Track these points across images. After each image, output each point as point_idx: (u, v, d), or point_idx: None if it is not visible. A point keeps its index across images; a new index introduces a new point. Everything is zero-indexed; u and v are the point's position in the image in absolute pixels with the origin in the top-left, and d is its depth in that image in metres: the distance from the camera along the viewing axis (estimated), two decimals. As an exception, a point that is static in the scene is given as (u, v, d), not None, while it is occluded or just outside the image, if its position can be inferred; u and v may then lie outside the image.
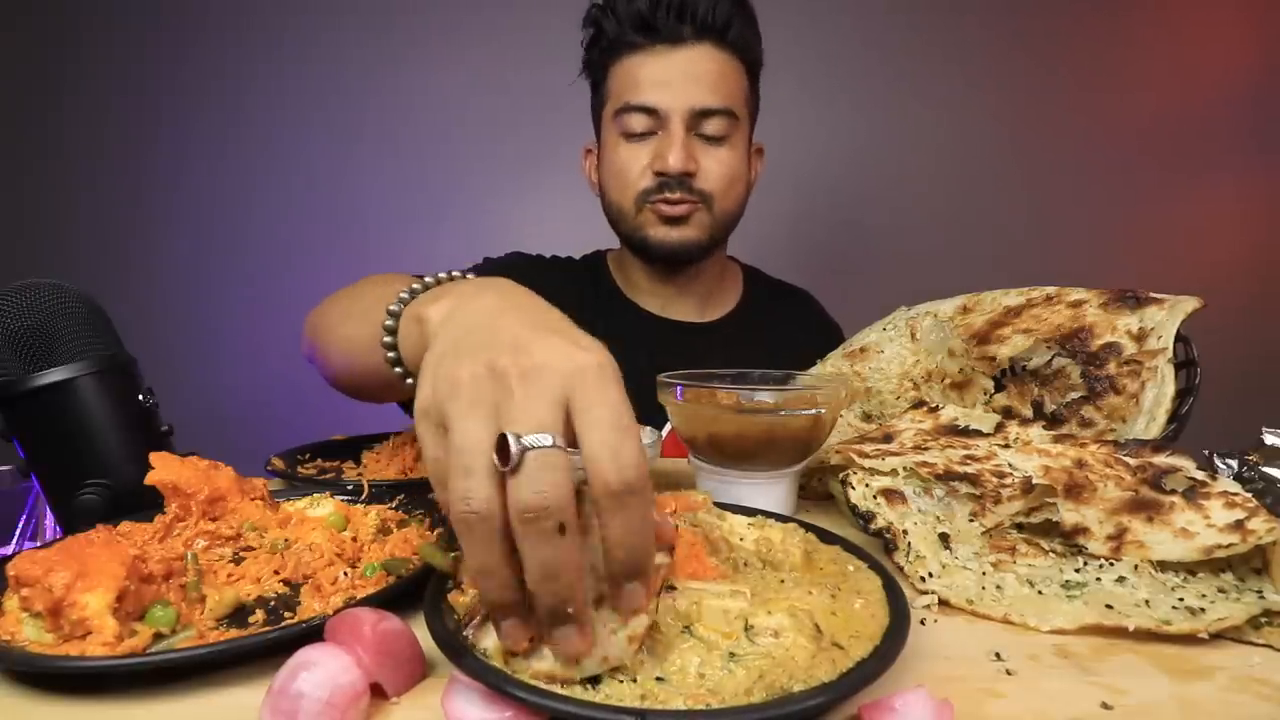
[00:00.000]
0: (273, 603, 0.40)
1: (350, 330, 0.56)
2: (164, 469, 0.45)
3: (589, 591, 0.29)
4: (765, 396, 0.53)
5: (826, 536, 0.44)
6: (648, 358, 0.83)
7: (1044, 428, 0.55)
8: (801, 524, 0.44)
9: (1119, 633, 0.37)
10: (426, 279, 0.43)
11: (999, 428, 0.56)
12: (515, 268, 1.06)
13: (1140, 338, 0.58)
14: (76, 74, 1.87)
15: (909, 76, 1.83)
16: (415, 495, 0.55)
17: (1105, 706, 0.31)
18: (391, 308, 0.42)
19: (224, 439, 1.08)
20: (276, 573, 0.42)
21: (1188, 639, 0.36)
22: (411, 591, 0.38)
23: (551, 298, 0.37)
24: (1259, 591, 0.40)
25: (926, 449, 0.54)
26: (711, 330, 1.09)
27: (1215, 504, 0.43)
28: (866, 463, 0.52)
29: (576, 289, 1.06)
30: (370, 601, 0.36)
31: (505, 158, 1.89)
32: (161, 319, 1.88)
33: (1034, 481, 0.48)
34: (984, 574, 0.44)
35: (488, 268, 1.05)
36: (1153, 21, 1.80)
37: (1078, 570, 0.43)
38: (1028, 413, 0.61)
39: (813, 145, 1.85)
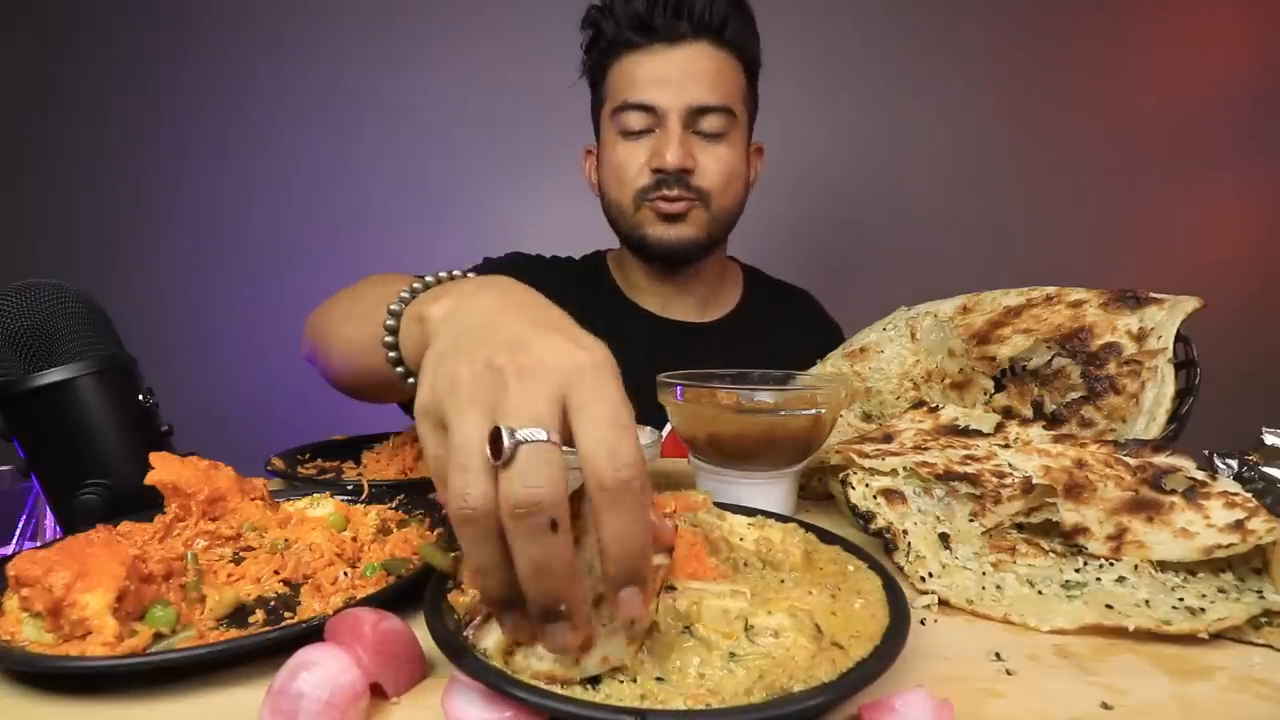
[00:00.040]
0: (273, 603, 0.40)
1: (351, 330, 0.56)
2: (164, 469, 0.45)
3: (588, 591, 0.29)
4: (765, 396, 0.53)
5: (826, 536, 0.44)
6: (647, 358, 0.83)
7: (1044, 428, 0.55)
8: (801, 524, 0.44)
9: (1119, 633, 0.37)
10: (427, 278, 0.43)
11: (999, 428, 0.56)
12: (515, 268, 1.06)
13: (1140, 338, 0.58)
14: (76, 74, 1.87)
15: (909, 76, 1.83)
16: (415, 495, 0.55)
17: (1105, 706, 0.31)
18: (393, 307, 0.42)
19: (224, 439, 1.08)
20: (276, 573, 0.42)
21: (1188, 639, 0.36)
22: (411, 591, 0.38)
23: (551, 298, 0.37)
24: (1259, 591, 0.40)
25: (926, 449, 0.54)
26: (711, 330, 1.09)
27: (1215, 504, 0.43)
28: (866, 463, 0.52)
29: (576, 289, 1.06)
30: (370, 601, 0.36)
31: (505, 158, 1.89)
32: (161, 319, 1.88)
33: (1034, 481, 0.48)
34: (984, 574, 0.44)
35: (487, 268, 1.05)
36: (1153, 21, 1.80)
37: (1078, 570, 0.43)
38: (1028, 413, 0.61)
39: (812, 145, 1.85)
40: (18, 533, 0.73)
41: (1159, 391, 0.55)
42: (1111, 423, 0.57)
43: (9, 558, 0.37)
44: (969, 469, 0.51)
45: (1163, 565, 0.42)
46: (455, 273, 0.43)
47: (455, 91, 1.88)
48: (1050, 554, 0.45)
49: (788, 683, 0.28)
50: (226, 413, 1.86)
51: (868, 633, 0.32)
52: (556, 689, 0.28)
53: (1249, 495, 0.43)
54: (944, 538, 0.47)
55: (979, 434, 0.56)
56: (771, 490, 0.55)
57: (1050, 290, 0.66)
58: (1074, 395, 0.59)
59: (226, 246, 1.92)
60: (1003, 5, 1.81)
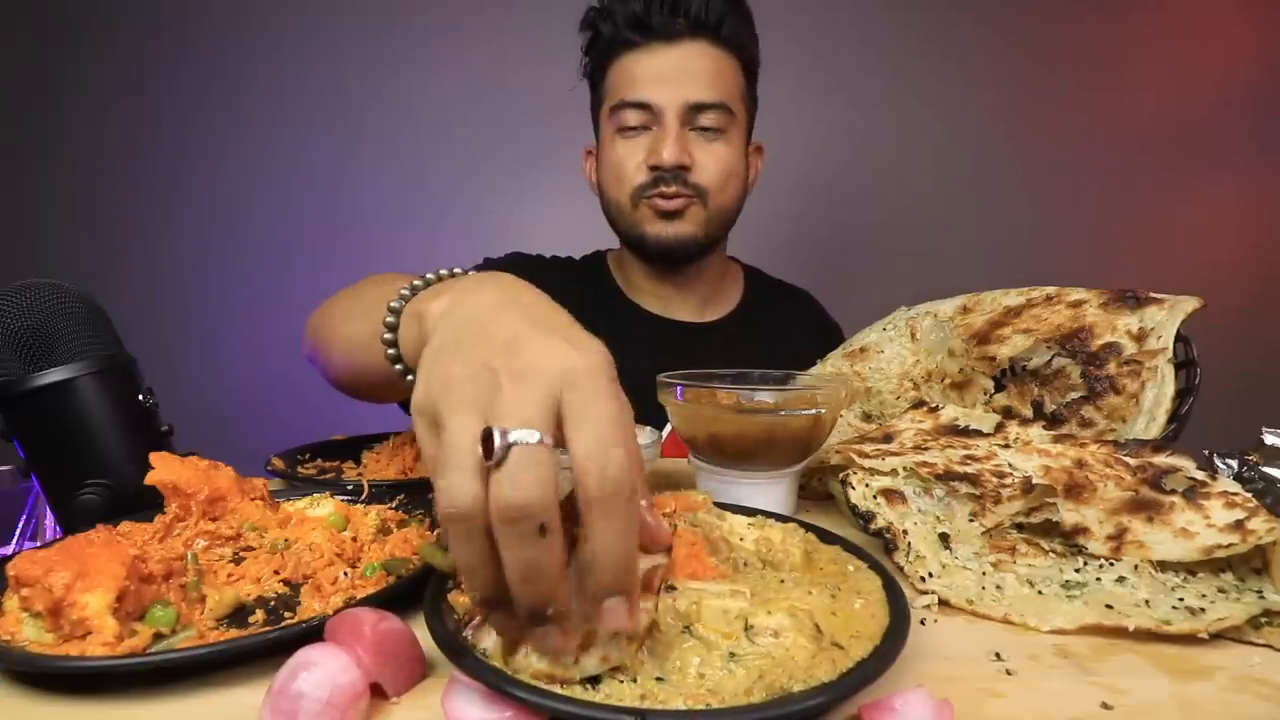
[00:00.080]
0: (273, 603, 0.40)
1: (351, 329, 0.56)
2: (164, 469, 0.45)
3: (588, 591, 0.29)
4: (765, 396, 0.53)
5: (826, 536, 0.44)
6: (648, 357, 0.83)
7: (1044, 428, 0.55)
8: (801, 524, 0.44)
9: (1119, 633, 0.37)
10: (428, 276, 0.42)
11: (999, 428, 0.56)
12: (515, 268, 1.06)
13: (1140, 338, 0.58)
14: (76, 74, 1.87)
15: (908, 75, 1.83)
16: (415, 495, 0.55)
17: (1105, 706, 0.31)
18: (392, 304, 0.42)
19: (224, 439, 1.08)
20: (276, 573, 0.42)
21: (1188, 639, 0.36)
22: (411, 591, 0.38)
23: (551, 298, 0.37)
24: (1259, 591, 0.40)
25: (926, 449, 0.54)
26: (712, 330, 1.09)
27: (1215, 504, 0.43)
28: (866, 463, 0.52)
29: (577, 289, 1.06)
30: (370, 601, 0.36)
31: (505, 158, 1.89)
32: (161, 319, 1.88)
33: (1034, 481, 0.48)
34: (984, 574, 0.44)
35: (488, 268, 1.05)
36: (1153, 21, 1.80)
37: (1078, 570, 0.43)
38: (1028, 413, 0.61)
39: (811, 144, 1.85)
40: (18, 533, 0.73)
41: (1159, 391, 0.55)
42: (1111, 423, 0.57)
43: (9, 558, 0.37)
44: (969, 469, 0.51)
45: (1163, 565, 0.42)
46: (456, 271, 0.43)
47: (455, 91, 1.88)
48: (1050, 554, 0.45)
49: (788, 683, 0.28)
50: (226, 413, 1.86)
51: (868, 633, 0.32)
52: (556, 689, 0.28)
53: (1249, 495, 0.43)
54: (944, 538, 0.47)
55: (979, 434, 0.56)
56: (771, 490, 0.55)
57: (1050, 290, 0.66)
58: (1074, 395, 0.59)
59: (226, 246, 1.92)
60: (1002, 4, 1.81)
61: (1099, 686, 0.32)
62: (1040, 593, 0.41)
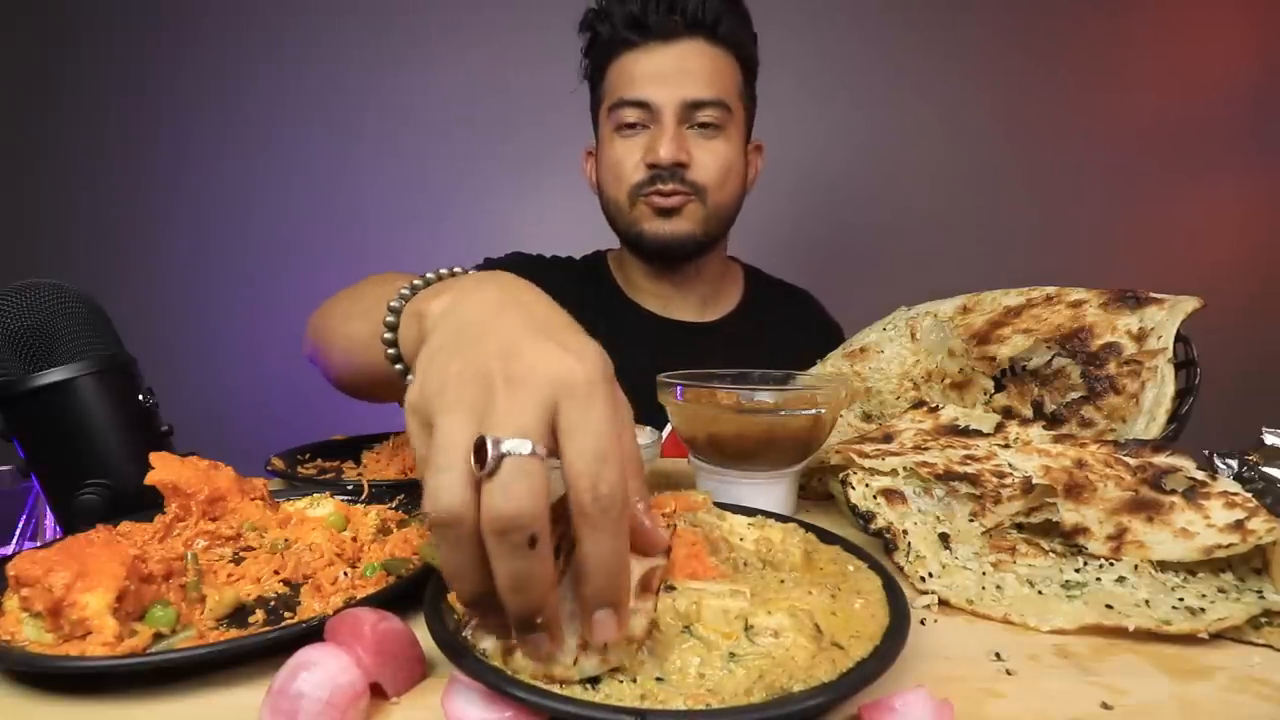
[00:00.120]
0: (273, 603, 0.40)
1: (351, 329, 0.56)
2: (164, 469, 0.45)
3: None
4: (765, 396, 0.53)
5: (826, 536, 0.44)
6: (649, 357, 0.83)
7: (1044, 428, 0.55)
8: (801, 524, 0.44)
9: (1119, 633, 0.37)
10: (428, 275, 0.42)
11: (999, 428, 0.56)
12: (516, 268, 1.06)
13: (1140, 338, 0.58)
14: (76, 74, 1.87)
15: (908, 75, 1.83)
16: (415, 495, 0.55)
17: (1105, 706, 0.31)
18: (392, 304, 0.41)
19: (224, 439, 1.08)
20: (276, 573, 0.42)
21: (1188, 639, 0.36)
22: (411, 591, 0.38)
23: (552, 298, 0.37)
24: (1259, 591, 0.40)
25: (926, 449, 0.54)
26: (712, 330, 1.09)
27: (1215, 504, 0.43)
28: (866, 463, 0.52)
29: (577, 289, 1.07)
30: (370, 601, 0.36)
31: (505, 158, 1.89)
32: (161, 319, 1.88)
33: (1034, 481, 0.48)
34: (984, 574, 0.44)
35: (488, 268, 1.05)
36: (1153, 21, 1.80)
37: (1078, 570, 0.43)
38: (1028, 413, 0.61)
39: (811, 143, 1.85)
40: (18, 533, 0.73)
41: (1159, 391, 0.55)
42: (1111, 423, 0.57)
43: (9, 558, 0.37)
44: (969, 469, 0.51)
45: (1163, 565, 0.42)
46: (457, 270, 0.43)
47: (455, 91, 1.88)
48: (1050, 554, 0.45)
49: (788, 683, 0.28)
50: (226, 413, 1.86)
51: (868, 633, 0.32)
52: (556, 689, 0.28)
53: (1249, 495, 0.43)
54: (944, 538, 0.47)
55: (979, 434, 0.56)
56: (771, 490, 0.55)
57: (1050, 290, 0.66)
58: (1074, 395, 0.59)
59: (226, 246, 1.92)
60: (1002, 4, 1.81)
61: (1099, 686, 0.32)
62: (1040, 593, 0.41)
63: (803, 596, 0.34)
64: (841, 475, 0.52)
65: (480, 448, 0.26)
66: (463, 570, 0.28)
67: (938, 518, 0.49)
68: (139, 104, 1.88)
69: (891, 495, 0.50)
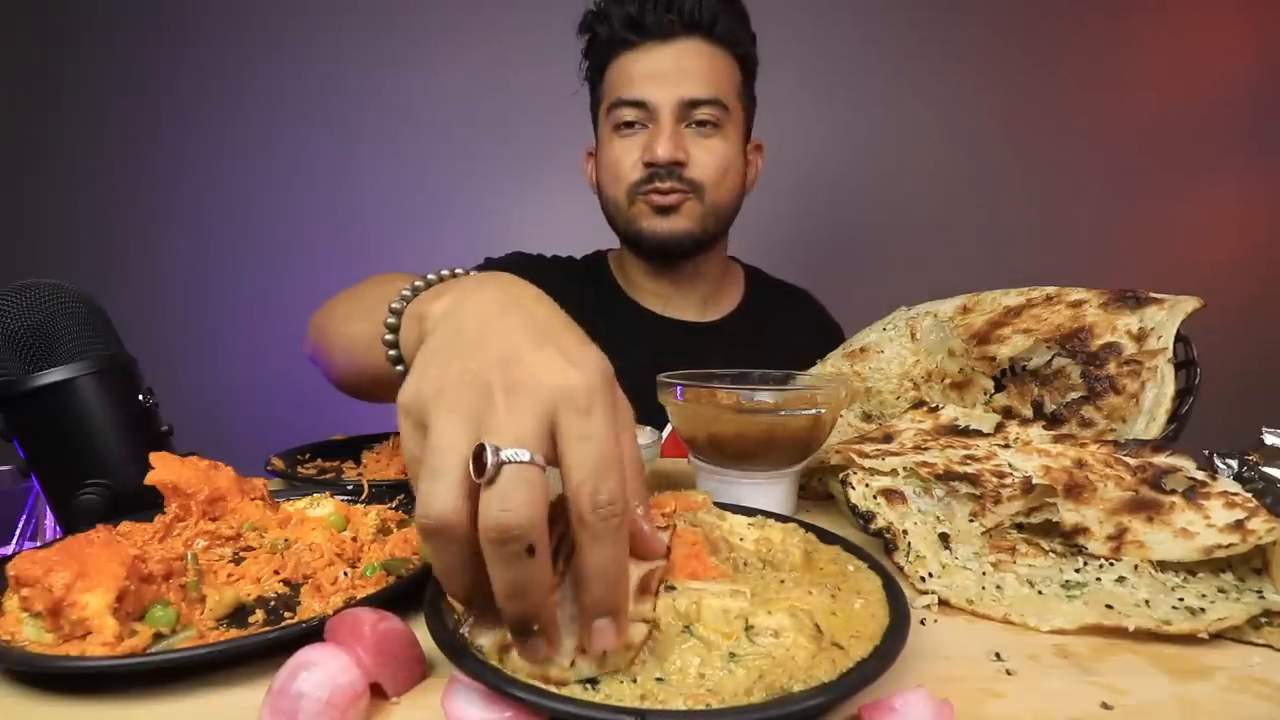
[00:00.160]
0: (273, 603, 0.40)
1: (353, 330, 0.56)
2: (164, 469, 0.45)
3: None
4: (765, 396, 0.53)
5: (826, 536, 0.44)
6: (649, 357, 0.83)
7: (1044, 428, 0.55)
8: (801, 524, 0.44)
9: (1119, 633, 0.37)
10: (430, 276, 0.42)
11: (999, 428, 0.56)
12: (517, 267, 1.06)
13: (1140, 338, 0.58)
14: (76, 74, 1.87)
15: (909, 75, 1.83)
16: (414, 495, 0.55)
17: (1105, 706, 0.31)
18: (394, 305, 0.41)
19: (224, 439, 1.08)
20: (276, 573, 0.42)
21: (1188, 639, 0.36)
22: (411, 591, 0.38)
23: (552, 298, 0.37)
24: (1259, 591, 0.40)
25: (926, 449, 0.54)
26: (713, 330, 1.09)
27: (1215, 504, 0.43)
28: (866, 463, 0.52)
29: (578, 289, 1.07)
30: (370, 601, 0.36)
31: (505, 158, 1.89)
32: (161, 319, 1.88)
33: (1034, 481, 0.48)
34: (984, 574, 0.44)
35: (489, 268, 1.05)
36: (1153, 21, 1.80)
37: (1078, 570, 0.43)
38: (1028, 413, 0.61)
39: (812, 144, 1.85)
40: (18, 533, 0.73)
41: (1159, 391, 0.55)
42: (1111, 423, 0.57)
43: (9, 558, 0.37)
44: (969, 469, 0.51)
45: (1163, 565, 0.42)
46: (459, 271, 0.43)
47: (455, 91, 1.88)
48: (1050, 554, 0.45)
49: (788, 683, 0.28)
50: (226, 413, 1.86)
51: (868, 633, 0.32)
52: (553, 689, 0.28)
53: (1249, 495, 0.43)
54: (944, 538, 0.47)
55: (979, 434, 0.56)
56: (771, 490, 0.55)
57: (1050, 290, 0.66)
58: (1074, 395, 0.59)
59: (226, 246, 1.92)
60: (1002, 4, 1.81)
61: (1099, 686, 0.32)
62: (1040, 593, 0.41)
63: (803, 596, 0.34)
64: (841, 475, 0.52)
65: (479, 455, 0.26)
66: (452, 572, 0.28)
67: (938, 518, 0.49)
68: (139, 104, 1.88)
69: (891, 495, 0.50)
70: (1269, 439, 0.55)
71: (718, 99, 0.95)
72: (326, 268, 1.88)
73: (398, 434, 0.73)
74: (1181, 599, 0.39)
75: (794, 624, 0.31)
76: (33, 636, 0.34)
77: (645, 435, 0.61)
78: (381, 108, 1.88)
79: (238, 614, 0.38)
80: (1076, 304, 0.63)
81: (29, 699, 0.31)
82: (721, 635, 0.31)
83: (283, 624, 0.35)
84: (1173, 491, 0.45)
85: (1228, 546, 0.40)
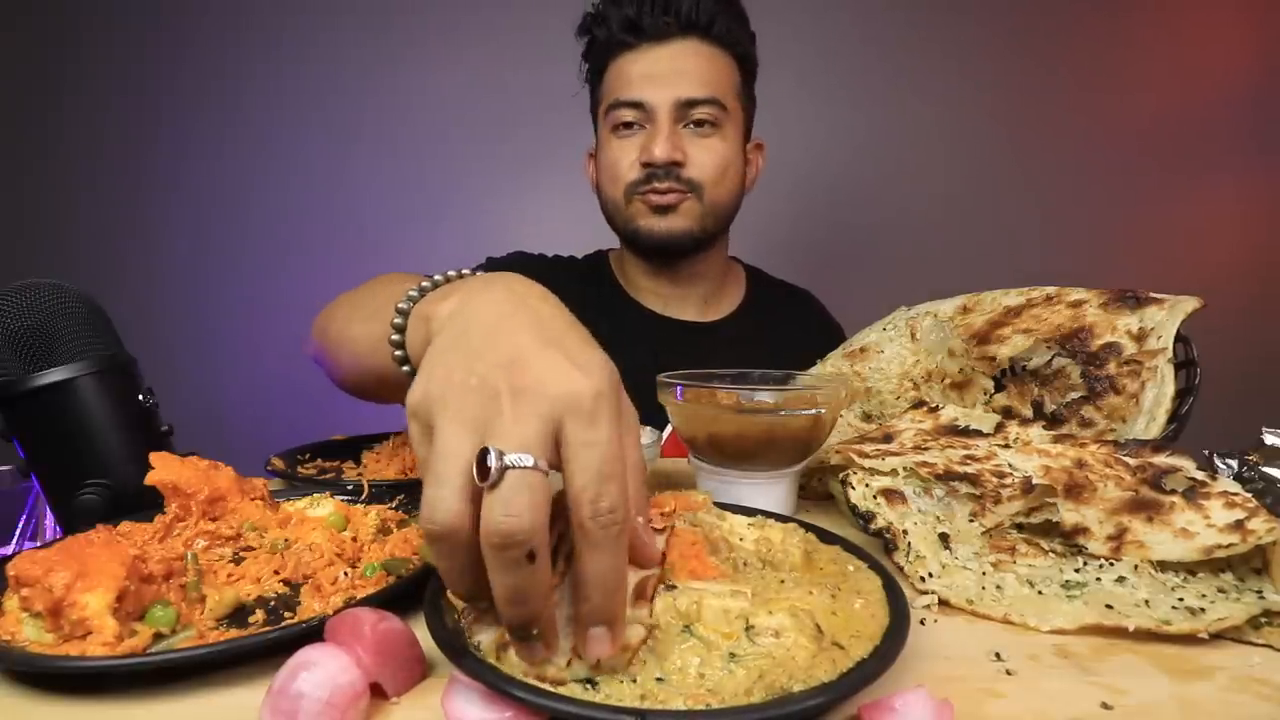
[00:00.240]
0: (273, 603, 0.40)
1: (358, 330, 0.55)
2: (164, 469, 0.45)
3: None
4: (765, 396, 0.53)
5: (826, 536, 0.44)
6: (650, 356, 0.83)
7: (1044, 428, 0.55)
8: (801, 524, 0.44)
9: (1119, 633, 0.37)
10: (436, 277, 0.42)
11: (999, 428, 0.56)
12: (518, 267, 1.06)
13: (1140, 338, 0.58)
14: (76, 74, 1.87)
15: (908, 75, 1.83)
16: (415, 495, 0.55)
17: (1105, 706, 0.31)
18: (400, 305, 0.41)
19: (224, 439, 1.08)
20: (276, 573, 0.42)
21: (1188, 639, 0.36)
22: (411, 591, 0.38)
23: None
24: (1259, 591, 0.40)
25: (926, 449, 0.54)
26: (714, 330, 1.09)
27: (1215, 504, 0.43)
28: (866, 463, 0.52)
29: (579, 288, 1.07)
30: (370, 601, 0.36)
31: (504, 158, 1.89)
32: (161, 319, 1.88)
33: (1034, 481, 0.48)
34: (984, 574, 0.44)
35: (490, 268, 1.05)
36: (1153, 22, 1.80)
37: (1078, 570, 0.43)
38: (1028, 413, 0.61)
39: (812, 144, 1.85)
40: (18, 533, 0.73)
41: (1159, 391, 0.55)
42: (1111, 423, 0.57)
43: (9, 558, 0.37)
44: (969, 469, 0.51)
45: (1163, 565, 0.42)
46: (465, 271, 0.43)
47: (454, 91, 1.88)
48: (1050, 554, 0.45)
49: (788, 683, 0.28)
50: (226, 413, 1.86)
51: (868, 633, 0.32)
52: (551, 688, 0.28)
53: (1249, 495, 0.43)
54: (944, 538, 0.47)
55: (979, 434, 0.56)
56: (771, 490, 0.55)
57: (1050, 290, 0.66)
58: (1074, 395, 0.59)
59: (226, 246, 1.92)
60: (1002, 4, 1.81)
61: (1099, 686, 0.32)
62: (1040, 593, 0.41)
63: (803, 596, 0.34)
64: (841, 475, 0.52)
65: (482, 459, 0.26)
66: (455, 575, 0.28)
67: (938, 518, 0.49)
68: (139, 104, 1.88)
69: (891, 495, 0.50)
70: (1269, 439, 0.55)
71: (715, 99, 0.95)
72: (326, 268, 1.88)
73: (398, 434, 0.73)
74: (1181, 599, 0.39)
75: (794, 624, 0.31)
76: (33, 636, 0.34)
77: (645, 435, 0.61)
78: (380, 108, 1.88)
79: (238, 614, 0.38)
80: (1076, 304, 0.63)
81: (29, 699, 0.31)
82: (722, 635, 0.31)
83: (283, 624, 0.35)
84: (1173, 491, 0.45)
85: (1228, 546, 0.40)
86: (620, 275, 1.12)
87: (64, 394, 0.50)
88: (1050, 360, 0.61)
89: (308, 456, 0.71)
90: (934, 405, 0.61)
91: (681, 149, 0.94)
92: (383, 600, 0.36)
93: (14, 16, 1.84)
